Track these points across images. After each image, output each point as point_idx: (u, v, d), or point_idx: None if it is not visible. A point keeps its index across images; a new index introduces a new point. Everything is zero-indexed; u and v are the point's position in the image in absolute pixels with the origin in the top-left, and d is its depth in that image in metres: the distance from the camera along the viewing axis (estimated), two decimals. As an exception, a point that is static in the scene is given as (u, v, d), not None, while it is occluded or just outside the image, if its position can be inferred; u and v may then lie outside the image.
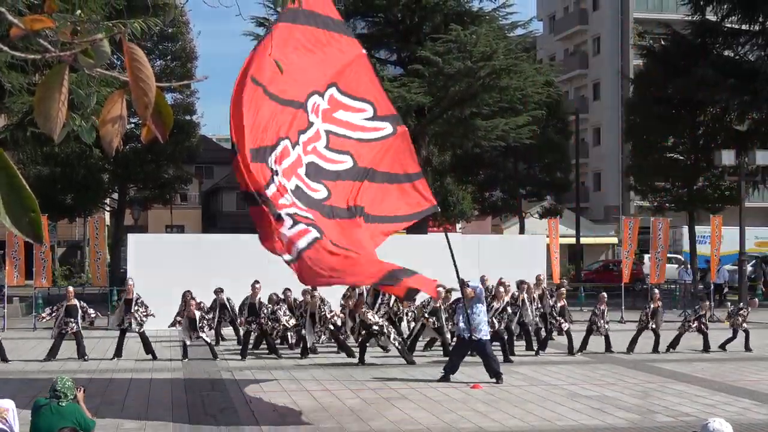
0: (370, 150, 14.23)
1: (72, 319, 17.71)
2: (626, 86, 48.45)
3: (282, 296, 19.04)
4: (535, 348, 18.99)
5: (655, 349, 19.13)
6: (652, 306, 19.61)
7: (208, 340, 18.15)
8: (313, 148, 13.41)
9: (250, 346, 18.51)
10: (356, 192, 13.93)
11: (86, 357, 17.71)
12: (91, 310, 18.48)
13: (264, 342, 18.79)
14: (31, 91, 22.08)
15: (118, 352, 17.90)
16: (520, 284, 19.63)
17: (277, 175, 12.11)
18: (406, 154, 14.80)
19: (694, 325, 19.44)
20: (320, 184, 13.47)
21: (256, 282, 18.91)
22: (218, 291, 19.84)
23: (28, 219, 2.14)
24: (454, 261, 14.65)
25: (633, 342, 19.32)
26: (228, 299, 19.93)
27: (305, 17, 13.50)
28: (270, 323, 18.38)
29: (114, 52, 2.70)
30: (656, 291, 20.67)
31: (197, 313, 17.78)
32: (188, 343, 17.98)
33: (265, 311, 18.35)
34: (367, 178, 14.12)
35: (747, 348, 19.47)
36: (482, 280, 19.50)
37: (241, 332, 19.35)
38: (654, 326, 19.26)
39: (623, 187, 52.67)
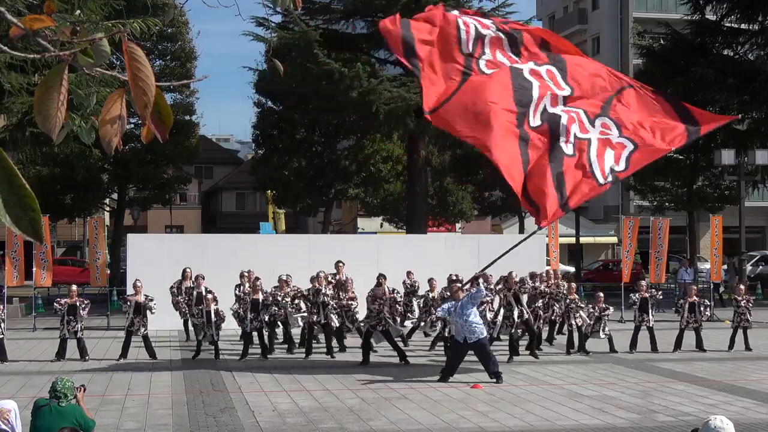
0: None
1: (73, 318, 17.72)
2: (626, 86, 48.30)
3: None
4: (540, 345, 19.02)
5: (654, 348, 19.08)
6: (638, 296, 19.53)
7: (216, 338, 18.07)
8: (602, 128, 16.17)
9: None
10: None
11: (87, 357, 17.70)
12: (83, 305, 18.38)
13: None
14: (31, 92, 22.09)
15: (124, 354, 17.86)
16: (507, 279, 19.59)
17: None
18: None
19: (689, 317, 19.29)
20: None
21: (257, 278, 18.86)
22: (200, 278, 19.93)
23: (29, 218, 2.13)
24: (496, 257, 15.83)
25: (633, 341, 19.28)
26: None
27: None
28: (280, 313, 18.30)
29: (113, 52, 2.70)
30: (642, 282, 20.56)
31: (213, 307, 17.83)
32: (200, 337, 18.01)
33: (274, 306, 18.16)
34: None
35: (747, 347, 19.43)
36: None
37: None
38: (648, 324, 19.23)
39: (623, 187, 52.65)
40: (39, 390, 12.72)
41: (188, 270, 20.31)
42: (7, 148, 24.58)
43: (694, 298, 19.54)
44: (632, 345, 19.23)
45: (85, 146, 29.90)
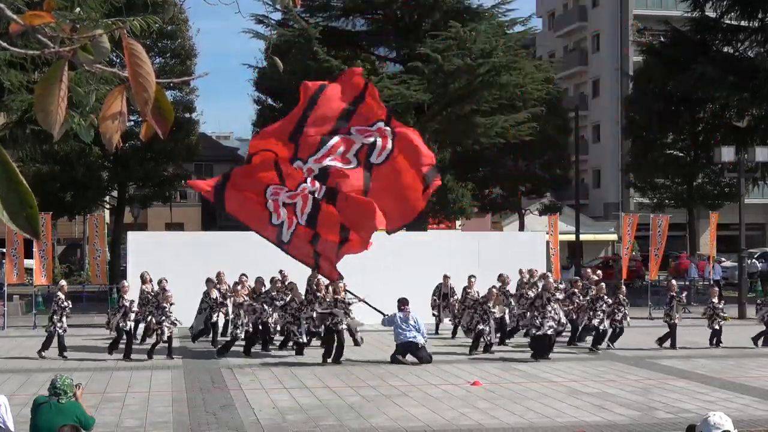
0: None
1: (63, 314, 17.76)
2: (626, 83, 48.41)
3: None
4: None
5: (673, 345, 19.23)
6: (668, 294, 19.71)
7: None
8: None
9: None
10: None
11: (65, 356, 17.59)
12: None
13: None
14: (30, 89, 22.07)
15: (113, 349, 17.83)
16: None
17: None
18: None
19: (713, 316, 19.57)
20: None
21: (211, 280, 19.05)
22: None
23: (26, 214, 2.13)
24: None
25: (662, 338, 19.48)
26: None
27: None
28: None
29: (113, 50, 2.70)
30: (673, 282, 20.75)
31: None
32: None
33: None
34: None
35: (765, 343, 19.58)
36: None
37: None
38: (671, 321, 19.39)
39: (623, 184, 52.67)
40: (39, 387, 12.72)
41: (145, 274, 20.20)
42: (7, 145, 24.57)
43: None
44: (661, 340, 19.42)
45: (85, 144, 29.90)
